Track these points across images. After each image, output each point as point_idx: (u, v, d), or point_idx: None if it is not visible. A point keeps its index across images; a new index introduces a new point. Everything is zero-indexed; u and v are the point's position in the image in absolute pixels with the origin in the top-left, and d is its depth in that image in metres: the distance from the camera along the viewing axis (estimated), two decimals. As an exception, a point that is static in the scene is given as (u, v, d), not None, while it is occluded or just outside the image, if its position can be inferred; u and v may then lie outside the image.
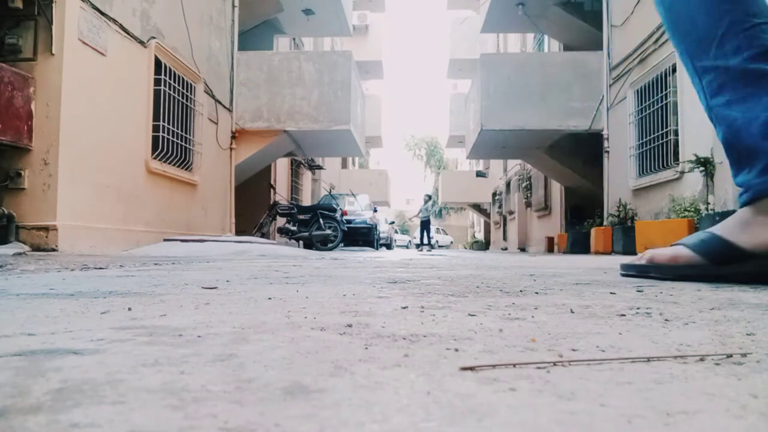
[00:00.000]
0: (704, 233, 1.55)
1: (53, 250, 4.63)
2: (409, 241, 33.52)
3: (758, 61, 1.47)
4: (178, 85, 7.30)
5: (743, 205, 1.48)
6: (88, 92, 5.23)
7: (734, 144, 1.52)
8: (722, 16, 1.52)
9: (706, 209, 6.27)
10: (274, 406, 0.35)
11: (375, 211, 15.37)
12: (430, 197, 15.07)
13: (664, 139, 7.94)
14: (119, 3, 5.76)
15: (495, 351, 0.53)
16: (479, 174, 24.64)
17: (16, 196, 4.72)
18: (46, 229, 4.67)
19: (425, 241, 15.03)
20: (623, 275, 1.77)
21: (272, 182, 12.66)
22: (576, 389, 0.39)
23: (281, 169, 13.57)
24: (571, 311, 0.82)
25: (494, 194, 23.90)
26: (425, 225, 15.20)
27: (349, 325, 0.68)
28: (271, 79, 9.63)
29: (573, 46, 12.46)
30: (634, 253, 7.22)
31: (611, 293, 1.11)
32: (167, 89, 6.91)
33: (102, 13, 5.42)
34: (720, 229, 1.51)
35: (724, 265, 1.46)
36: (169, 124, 6.97)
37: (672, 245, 1.60)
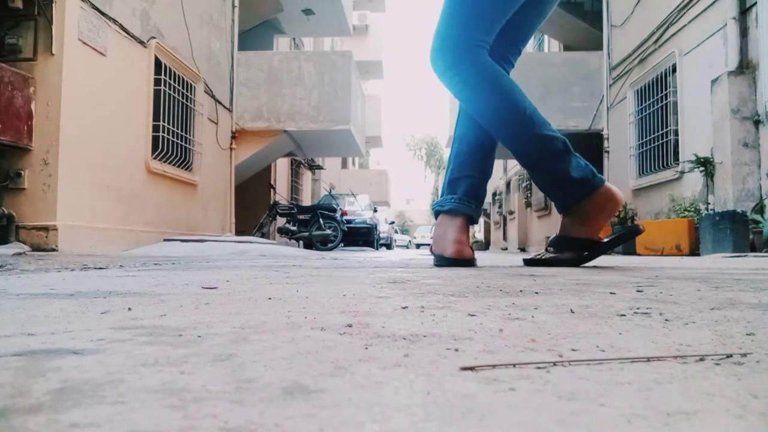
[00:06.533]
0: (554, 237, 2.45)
1: (53, 250, 4.63)
2: (409, 241, 33.53)
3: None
4: (178, 85, 7.30)
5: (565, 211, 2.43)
6: (88, 92, 5.23)
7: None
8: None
9: (706, 209, 6.27)
10: (274, 406, 0.35)
11: (375, 211, 15.39)
12: None
13: (664, 139, 7.94)
14: (119, 3, 5.76)
15: (495, 351, 0.53)
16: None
17: (16, 196, 4.72)
18: (46, 229, 4.67)
19: None
20: (525, 264, 2.52)
21: (272, 182, 12.66)
22: (576, 389, 0.39)
23: (281, 169, 13.57)
24: (571, 311, 0.82)
25: (494, 194, 23.89)
26: None
27: (349, 325, 0.68)
28: (271, 79, 9.62)
29: (573, 46, 12.46)
30: (634, 253, 7.22)
31: (611, 293, 1.11)
32: (167, 89, 6.91)
33: (102, 13, 5.43)
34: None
35: (564, 251, 2.37)
36: (169, 124, 6.97)
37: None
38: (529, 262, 2.53)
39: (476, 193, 2.47)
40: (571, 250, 2.35)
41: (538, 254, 2.52)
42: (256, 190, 11.87)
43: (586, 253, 2.37)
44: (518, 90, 2.30)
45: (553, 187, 2.35)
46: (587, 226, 2.30)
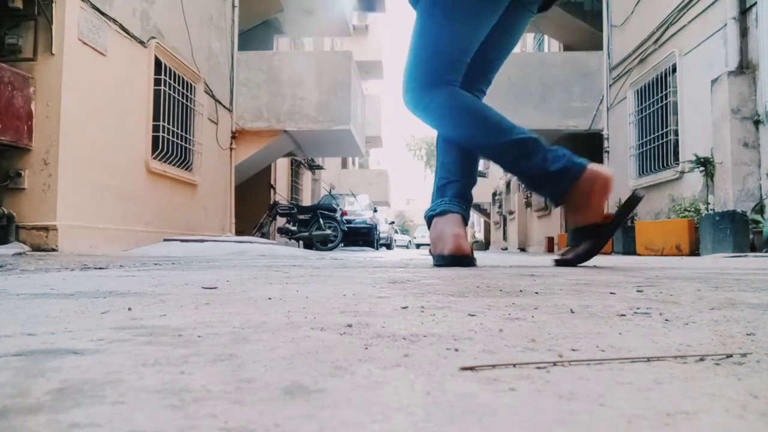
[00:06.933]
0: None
1: (53, 250, 4.63)
2: (409, 241, 33.53)
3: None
4: (178, 85, 7.30)
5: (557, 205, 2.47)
6: (88, 92, 5.22)
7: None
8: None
9: (706, 209, 6.27)
10: (274, 406, 0.35)
11: (375, 211, 15.39)
12: None
13: (664, 139, 7.94)
14: (119, 3, 5.75)
15: (495, 351, 0.53)
16: (479, 174, 24.62)
17: (16, 196, 4.72)
18: (46, 229, 4.67)
19: None
20: (556, 265, 2.55)
21: (272, 182, 12.66)
22: (576, 389, 0.39)
23: (281, 169, 13.57)
24: (571, 311, 0.82)
25: (494, 194, 23.90)
26: None
27: (349, 325, 0.68)
28: (271, 79, 9.62)
29: (573, 46, 12.46)
30: (634, 252, 7.22)
31: (611, 293, 1.11)
32: (167, 89, 6.91)
33: (102, 13, 5.42)
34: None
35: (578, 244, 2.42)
36: (169, 124, 6.97)
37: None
38: (560, 263, 2.56)
39: (464, 195, 2.56)
40: (585, 240, 2.40)
41: (562, 252, 2.56)
42: (256, 190, 11.87)
43: (598, 237, 2.41)
44: (482, 108, 2.45)
45: (537, 185, 2.45)
46: (586, 212, 2.37)
